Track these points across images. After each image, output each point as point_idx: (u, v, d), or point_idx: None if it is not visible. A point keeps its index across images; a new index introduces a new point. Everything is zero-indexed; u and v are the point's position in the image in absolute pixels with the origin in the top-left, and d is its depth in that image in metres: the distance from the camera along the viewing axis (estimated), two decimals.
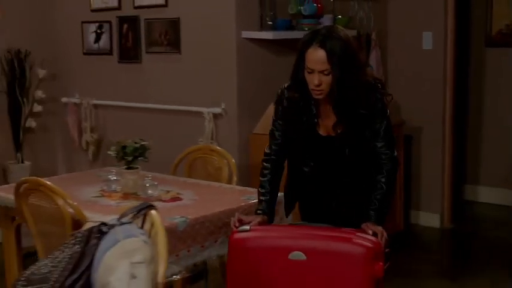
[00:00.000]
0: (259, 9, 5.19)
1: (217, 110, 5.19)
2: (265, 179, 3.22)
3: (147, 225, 2.61)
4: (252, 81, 5.20)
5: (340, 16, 5.66)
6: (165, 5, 5.45)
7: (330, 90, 2.97)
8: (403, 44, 6.33)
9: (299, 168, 3.18)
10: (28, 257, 4.77)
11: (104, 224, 2.54)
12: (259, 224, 3.08)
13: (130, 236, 2.43)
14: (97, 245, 2.49)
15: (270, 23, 5.20)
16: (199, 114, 5.29)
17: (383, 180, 3.07)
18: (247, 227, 3.01)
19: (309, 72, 2.97)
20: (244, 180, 4.71)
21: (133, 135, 5.55)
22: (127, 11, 5.73)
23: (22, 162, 6.04)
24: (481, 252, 5.80)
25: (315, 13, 5.33)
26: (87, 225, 2.65)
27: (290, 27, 5.30)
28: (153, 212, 2.60)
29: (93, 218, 3.46)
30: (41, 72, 6.05)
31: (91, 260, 2.46)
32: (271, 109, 4.77)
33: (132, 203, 3.69)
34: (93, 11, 5.97)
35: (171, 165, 4.60)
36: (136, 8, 5.65)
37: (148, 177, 4.00)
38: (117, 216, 2.60)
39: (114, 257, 2.34)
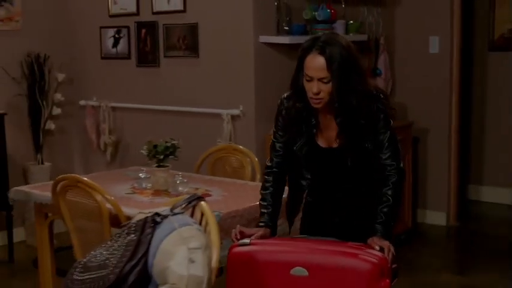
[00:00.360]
0: (276, 15, 5.39)
1: (236, 111, 5.38)
2: (267, 191, 3.11)
3: (197, 216, 2.80)
4: (268, 84, 5.39)
5: (351, 21, 5.86)
6: (184, 11, 5.64)
7: (329, 99, 2.88)
8: (410, 48, 6.53)
9: (298, 181, 3.10)
10: (59, 252, 5.00)
11: (157, 214, 2.73)
12: (261, 237, 2.96)
13: (186, 224, 2.62)
14: (152, 233, 2.68)
15: (286, 28, 5.40)
16: (217, 116, 5.48)
17: (389, 192, 2.95)
18: (247, 241, 2.87)
19: (307, 80, 2.87)
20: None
21: (151, 137, 5.76)
22: (145, 16, 5.91)
23: (42, 163, 6.20)
24: (487, 248, 6.01)
25: (329, 18, 5.54)
26: (139, 216, 2.83)
27: (305, 32, 5.50)
28: (202, 203, 2.79)
29: (133, 213, 3.67)
30: (60, 76, 6.21)
31: (147, 247, 2.64)
32: None
33: (165, 200, 3.91)
34: (111, 16, 6.16)
35: (195, 165, 4.79)
36: (154, 13, 5.84)
37: (178, 174, 4.19)
38: (168, 208, 2.78)
39: (172, 243, 2.53)
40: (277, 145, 3.11)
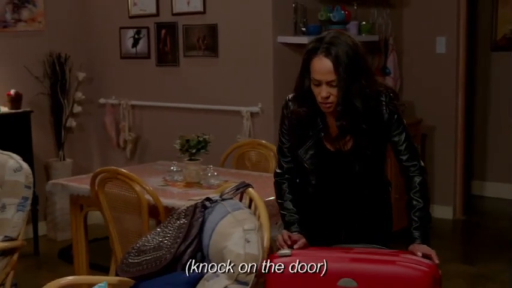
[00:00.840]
0: (294, 16, 5.62)
1: (255, 109, 5.61)
2: (287, 200, 3.00)
3: (245, 201, 3.03)
4: (286, 82, 5.56)
5: (364, 22, 6.10)
6: (203, 12, 5.86)
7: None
8: (418, 48, 6.78)
9: (304, 187, 3.01)
10: (93, 242, 5.22)
11: (208, 199, 2.95)
12: (304, 245, 2.83)
13: (238, 208, 2.85)
14: (202, 217, 2.90)
15: (303, 29, 5.64)
16: (236, 113, 5.71)
17: (417, 195, 2.84)
18: (288, 251, 2.72)
19: (315, 85, 2.78)
20: None
21: (171, 135, 6.00)
22: (165, 17, 6.13)
23: (64, 159, 6.42)
24: (492, 240, 6.27)
25: (343, 19, 5.77)
26: (188, 203, 3.05)
27: (320, 32, 5.72)
28: (250, 189, 3.02)
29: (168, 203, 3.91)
30: (80, 75, 6.43)
31: (199, 229, 2.87)
32: None
33: (197, 191, 4.15)
34: (131, 17, 6.37)
35: (219, 159, 5.02)
36: (174, 14, 6.06)
37: (210, 167, 4.42)
38: (217, 195, 3.01)
39: (228, 225, 2.75)
40: (286, 150, 3.02)
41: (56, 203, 6.26)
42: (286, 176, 3.03)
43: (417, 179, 2.86)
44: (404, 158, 2.88)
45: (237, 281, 2.61)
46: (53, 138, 6.44)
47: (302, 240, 2.83)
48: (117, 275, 3.15)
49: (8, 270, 3.75)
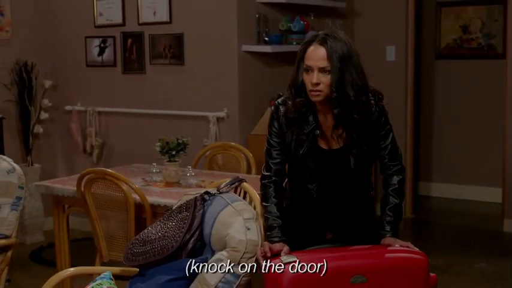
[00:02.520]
0: (257, 26, 5.94)
1: (221, 114, 5.90)
2: (271, 204, 3.05)
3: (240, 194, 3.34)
4: (250, 89, 5.94)
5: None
6: (170, 22, 6.12)
7: (328, 94, 2.86)
8: (369, 56, 7.08)
9: (302, 188, 3.08)
10: (74, 242, 5.41)
11: (207, 193, 3.23)
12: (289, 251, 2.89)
13: (236, 200, 3.14)
14: (203, 209, 3.17)
15: (266, 38, 5.96)
16: (203, 118, 5.98)
17: (395, 192, 3.02)
18: (294, 258, 2.77)
19: (307, 71, 2.87)
20: None
21: (138, 140, 6.28)
22: (131, 27, 6.37)
23: (32, 164, 6.59)
24: (443, 235, 6.73)
25: (303, 29, 6.12)
26: (186, 198, 3.32)
27: (281, 41, 6.07)
28: (245, 184, 3.32)
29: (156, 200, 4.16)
30: (47, 83, 6.61)
31: (200, 220, 3.14)
32: (268, 112, 5.55)
33: (178, 190, 4.42)
34: (97, 27, 6.59)
35: (191, 161, 5.29)
36: (140, 24, 6.30)
37: (188, 168, 4.69)
38: (214, 189, 3.29)
39: (228, 215, 3.03)
40: (274, 152, 3.05)
41: (25, 207, 6.40)
42: (274, 178, 3.07)
43: (396, 178, 3.04)
44: (387, 157, 3.04)
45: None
46: (20, 144, 6.61)
47: (284, 250, 2.89)
48: None
49: (3, 266, 3.97)
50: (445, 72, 8.01)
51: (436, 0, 8.00)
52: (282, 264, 2.74)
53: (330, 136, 2.99)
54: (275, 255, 2.87)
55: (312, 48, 2.87)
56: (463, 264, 5.75)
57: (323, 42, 2.85)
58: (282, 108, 3.01)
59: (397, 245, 2.91)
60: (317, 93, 2.86)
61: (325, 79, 2.84)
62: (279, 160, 3.06)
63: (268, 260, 2.82)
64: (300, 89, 2.94)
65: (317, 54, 2.84)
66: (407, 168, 7.10)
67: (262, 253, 2.87)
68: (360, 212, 3.13)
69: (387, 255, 2.85)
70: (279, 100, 3.07)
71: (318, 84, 2.84)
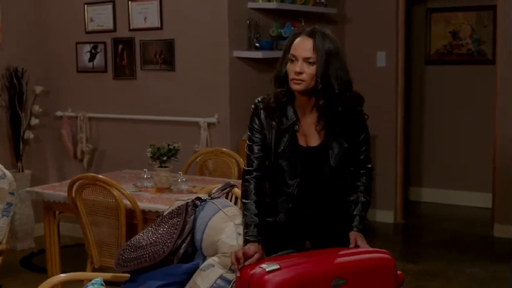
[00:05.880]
0: (248, 32, 5.95)
1: (212, 119, 5.91)
2: (251, 201, 3.01)
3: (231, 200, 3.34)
4: (241, 94, 5.95)
5: None
6: (160, 28, 6.13)
7: (310, 86, 2.89)
8: (359, 62, 7.15)
9: (284, 184, 3.07)
10: (65, 248, 5.40)
11: (198, 199, 3.24)
12: (259, 255, 2.85)
13: (227, 206, 3.15)
14: (194, 214, 3.17)
15: (257, 44, 5.97)
16: (193, 124, 5.99)
17: (366, 191, 3.11)
18: (277, 266, 2.70)
19: (291, 61, 2.90)
20: None
21: (129, 146, 6.28)
22: (122, 33, 6.37)
23: (22, 170, 6.57)
24: (433, 240, 6.75)
25: None
26: (177, 203, 3.33)
27: (272, 47, 6.09)
28: (236, 189, 3.33)
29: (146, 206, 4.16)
30: (37, 89, 6.60)
31: (192, 226, 3.15)
32: None
33: (169, 196, 4.42)
34: (88, 33, 6.59)
35: (181, 167, 5.29)
36: (131, 30, 6.30)
37: (179, 174, 4.69)
38: (205, 195, 3.29)
39: (220, 221, 3.04)
40: (256, 148, 3.05)
41: (15, 213, 6.38)
42: (255, 173, 3.04)
43: (366, 178, 3.13)
44: (361, 156, 3.09)
45: (231, 270, 2.90)
46: (11, 150, 6.59)
47: (256, 256, 2.83)
48: None
49: None
50: (435, 77, 8.05)
51: (426, 6, 8.04)
52: (265, 272, 2.69)
53: (309, 133, 3.01)
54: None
55: (299, 39, 2.93)
56: (454, 269, 5.77)
57: (311, 35, 2.91)
58: (261, 105, 3.04)
59: (365, 245, 3.01)
60: (299, 81, 2.89)
61: (309, 70, 2.88)
62: (260, 154, 3.06)
63: (250, 268, 2.76)
64: (283, 80, 2.97)
65: (304, 45, 2.89)
66: (397, 174, 7.18)
67: (235, 258, 2.81)
68: (338, 216, 3.13)
69: (362, 256, 2.93)
70: (259, 98, 3.10)
71: (301, 73, 2.88)
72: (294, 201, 3.07)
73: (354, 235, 3.05)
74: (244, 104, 5.94)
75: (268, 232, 3.00)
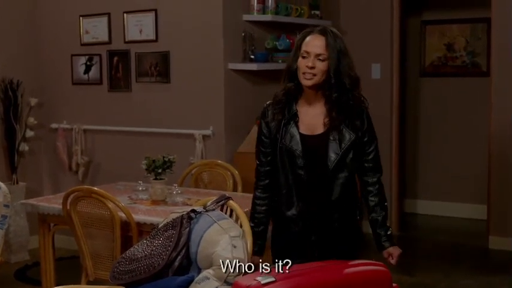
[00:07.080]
0: (243, 44, 5.96)
1: (207, 132, 5.90)
2: (262, 215, 3.27)
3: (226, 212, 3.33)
4: (236, 106, 5.95)
5: None
6: (156, 40, 6.14)
7: (320, 81, 3.03)
8: None
9: (293, 173, 3.16)
10: (59, 261, 5.38)
11: (193, 211, 3.24)
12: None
13: (222, 218, 3.15)
14: (189, 227, 3.18)
15: (252, 56, 5.98)
16: (189, 136, 5.98)
17: (377, 200, 3.34)
18: (272, 278, 2.68)
19: (303, 57, 3.05)
20: None
21: (124, 158, 6.26)
22: (117, 45, 6.37)
23: (17, 183, 6.56)
24: (429, 253, 6.74)
25: (289, 47, 6.14)
26: (172, 216, 3.33)
27: (267, 59, 6.10)
28: (231, 202, 3.32)
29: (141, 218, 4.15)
30: (33, 101, 6.60)
31: (187, 239, 3.15)
32: (254, 130, 5.57)
33: (164, 208, 4.41)
34: (83, 45, 6.59)
35: (177, 179, 5.28)
36: (127, 42, 6.31)
37: (175, 186, 4.69)
38: (201, 207, 3.30)
39: (215, 233, 3.04)
40: (264, 152, 3.22)
41: (10, 226, 6.37)
42: (266, 181, 3.23)
43: (377, 187, 3.35)
44: (369, 157, 3.26)
45: (226, 282, 2.90)
46: (6, 162, 6.58)
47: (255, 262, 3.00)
48: None
49: None
50: (430, 89, 8.08)
51: (420, 18, 8.07)
52: (260, 285, 2.66)
53: (314, 123, 3.13)
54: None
55: (311, 37, 3.08)
56: (450, 281, 5.77)
57: (323, 33, 3.07)
58: (269, 108, 3.20)
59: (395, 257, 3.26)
60: (310, 76, 3.04)
61: (321, 65, 3.03)
62: (270, 159, 3.20)
63: (245, 280, 2.74)
64: (293, 75, 3.11)
65: (316, 42, 3.05)
66: (392, 186, 7.18)
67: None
68: (346, 213, 3.28)
69: (357, 268, 2.97)
70: (267, 103, 3.24)
71: (313, 68, 3.03)
72: (304, 188, 3.15)
73: (387, 253, 3.34)
74: (240, 116, 5.98)
75: (280, 228, 3.20)
